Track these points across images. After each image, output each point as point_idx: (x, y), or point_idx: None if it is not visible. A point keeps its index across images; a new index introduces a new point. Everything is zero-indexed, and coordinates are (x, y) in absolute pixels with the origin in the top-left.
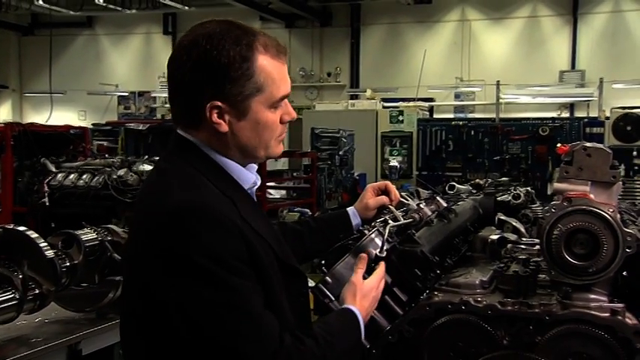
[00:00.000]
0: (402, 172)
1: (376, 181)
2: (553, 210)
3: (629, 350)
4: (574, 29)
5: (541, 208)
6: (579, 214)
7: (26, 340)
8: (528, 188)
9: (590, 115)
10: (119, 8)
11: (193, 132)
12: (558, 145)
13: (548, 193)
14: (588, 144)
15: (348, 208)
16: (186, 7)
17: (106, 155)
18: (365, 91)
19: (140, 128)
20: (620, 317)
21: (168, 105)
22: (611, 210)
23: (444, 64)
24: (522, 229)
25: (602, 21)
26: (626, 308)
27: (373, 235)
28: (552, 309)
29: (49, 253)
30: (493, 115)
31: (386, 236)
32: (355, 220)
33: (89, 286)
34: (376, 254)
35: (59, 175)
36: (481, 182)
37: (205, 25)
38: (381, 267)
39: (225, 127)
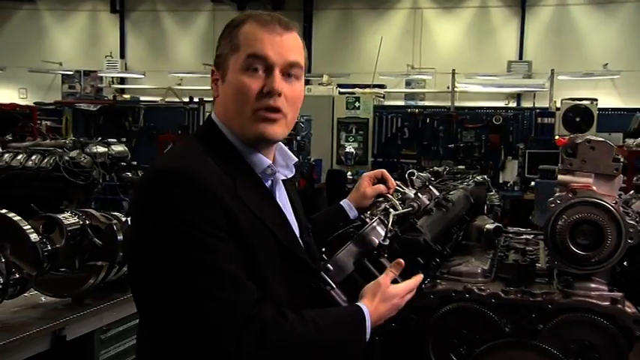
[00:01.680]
0: (357, 158)
1: (332, 167)
2: (558, 201)
3: (628, 337)
4: (522, 21)
5: (497, 195)
6: (584, 205)
7: (7, 326)
8: (485, 176)
9: (537, 105)
10: None
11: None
12: (557, 136)
13: (501, 181)
14: (592, 137)
15: (342, 202)
16: None
17: (53, 135)
18: (318, 76)
19: (91, 109)
20: (620, 306)
21: (115, 85)
22: (614, 202)
23: (395, 51)
24: None
25: (549, 13)
26: (625, 297)
27: (375, 224)
28: (554, 297)
29: (34, 237)
30: (443, 103)
31: (390, 225)
32: (352, 213)
33: (68, 271)
34: (379, 242)
35: (6, 155)
36: (440, 170)
37: None
38: (417, 278)
39: (216, 91)
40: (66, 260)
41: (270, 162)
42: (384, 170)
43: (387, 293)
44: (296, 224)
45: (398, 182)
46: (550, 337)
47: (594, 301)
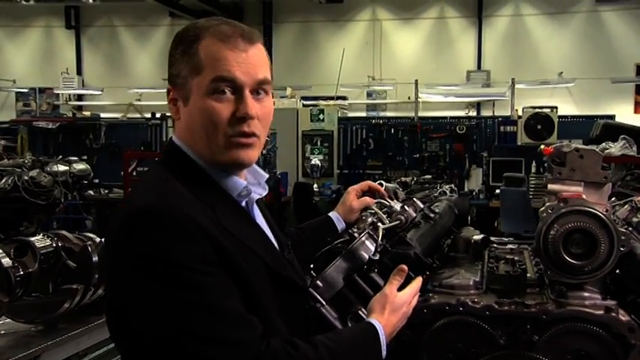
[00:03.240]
0: (323, 170)
1: (298, 180)
2: (549, 211)
3: (623, 346)
4: (479, 31)
5: None
6: (575, 214)
7: None
8: (452, 185)
9: (496, 113)
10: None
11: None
12: (542, 146)
13: (466, 189)
14: (580, 145)
15: (330, 213)
16: (91, 0)
17: (9, 155)
18: (281, 89)
19: (50, 127)
20: (614, 314)
21: (72, 102)
22: (605, 210)
23: (356, 63)
24: None
25: (505, 24)
26: (618, 305)
27: (364, 238)
28: (549, 308)
29: (5, 262)
30: (405, 114)
31: (380, 239)
32: (340, 225)
33: (41, 296)
34: (369, 257)
35: None
36: (407, 180)
37: None
38: (417, 282)
39: (177, 114)
40: (39, 285)
41: (246, 183)
42: (370, 182)
43: (396, 303)
44: (275, 243)
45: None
46: (546, 348)
47: (589, 310)
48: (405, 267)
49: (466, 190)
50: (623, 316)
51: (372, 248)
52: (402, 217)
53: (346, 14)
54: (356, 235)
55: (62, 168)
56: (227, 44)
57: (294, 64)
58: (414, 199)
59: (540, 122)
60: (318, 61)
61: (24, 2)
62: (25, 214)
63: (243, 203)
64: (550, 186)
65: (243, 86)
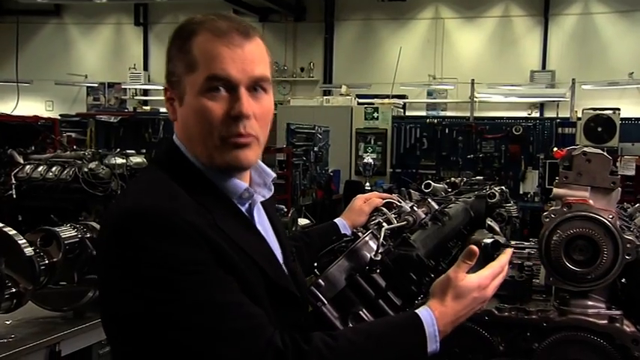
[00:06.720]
0: (376, 169)
1: (350, 178)
2: (553, 215)
3: (626, 358)
4: (545, 30)
5: (515, 207)
6: (579, 220)
7: (1, 341)
8: (503, 187)
9: (560, 115)
10: None
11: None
12: (555, 149)
13: (521, 192)
14: (588, 149)
15: (336, 220)
16: None
17: (74, 147)
18: (339, 87)
19: (112, 120)
20: (618, 324)
21: (138, 97)
22: (611, 216)
23: (417, 62)
24: (497, 228)
25: (572, 22)
26: (624, 315)
27: (367, 238)
28: (550, 315)
29: (28, 251)
30: (465, 114)
31: (381, 239)
32: (345, 231)
33: (67, 285)
34: (371, 257)
35: (27, 166)
36: (457, 181)
37: None
38: (505, 256)
39: (174, 114)
40: (64, 274)
41: (247, 185)
42: (375, 192)
43: (461, 287)
44: (279, 250)
45: (394, 195)
46: (545, 357)
47: (591, 320)
48: (475, 248)
49: (521, 192)
50: (628, 327)
51: (375, 248)
52: (410, 218)
53: (408, 12)
54: (360, 234)
55: (119, 161)
56: (222, 40)
57: (354, 62)
58: (429, 199)
59: (601, 124)
60: (379, 60)
61: (97, 1)
62: (84, 205)
63: (246, 206)
64: (556, 190)
65: (239, 84)
